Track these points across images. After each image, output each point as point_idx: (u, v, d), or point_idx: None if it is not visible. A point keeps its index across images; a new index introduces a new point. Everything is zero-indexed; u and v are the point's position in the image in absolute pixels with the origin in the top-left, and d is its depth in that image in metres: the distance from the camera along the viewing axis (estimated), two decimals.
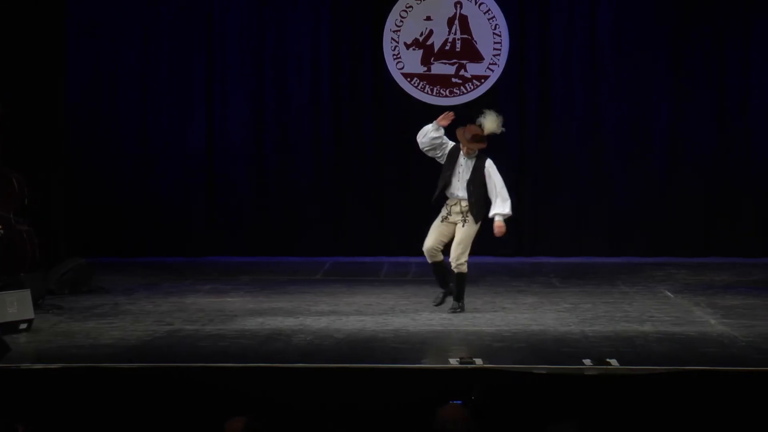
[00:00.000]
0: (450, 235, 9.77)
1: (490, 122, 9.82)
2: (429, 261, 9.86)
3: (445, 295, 9.89)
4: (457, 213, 9.72)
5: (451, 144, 9.88)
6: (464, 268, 9.77)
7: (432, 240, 9.76)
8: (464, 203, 9.71)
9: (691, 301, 10.43)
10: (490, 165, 9.80)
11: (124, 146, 14.13)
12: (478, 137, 9.75)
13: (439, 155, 9.87)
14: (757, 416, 6.84)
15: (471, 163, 9.76)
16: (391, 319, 9.46)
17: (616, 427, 6.80)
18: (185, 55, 14.10)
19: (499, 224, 9.73)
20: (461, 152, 9.78)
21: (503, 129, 9.93)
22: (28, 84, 12.19)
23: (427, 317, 9.55)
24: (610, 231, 14.01)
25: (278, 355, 7.94)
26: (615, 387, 7.03)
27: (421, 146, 9.93)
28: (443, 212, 9.80)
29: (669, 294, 10.96)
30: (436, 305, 9.87)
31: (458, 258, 9.72)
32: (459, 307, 9.78)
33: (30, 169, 10.95)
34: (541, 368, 7.29)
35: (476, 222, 9.70)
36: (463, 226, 9.70)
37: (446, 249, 9.89)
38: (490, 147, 13.97)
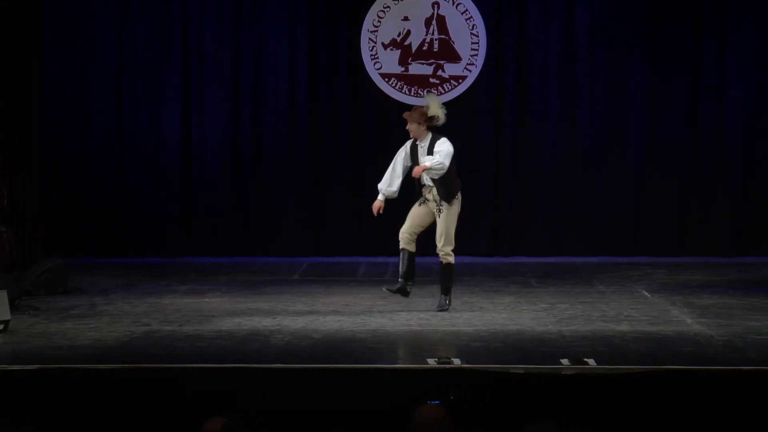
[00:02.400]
0: (427, 219, 9.76)
1: (434, 104, 9.81)
2: (401, 245, 9.79)
3: (402, 288, 9.80)
4: (432, 200, 9.73)
5: (408, 146, 9.87)
6: (451, 259, 9.81)
7: (407, 224, 9.78)
8: (434, 189, 9.72)
9: (667, 301, 10.47)
10: (441, 140, 9.72)
11: (99, 146, 14.09)
12: (425, 116, 9.72)
13: (410, 164, 9.86)
14: (733, 415, 6.88)
15: (426, 148, 9.74)
16: (368, 320, 9.46)
17: (594, 426, 6.82)
18: (161, 54, 14.07)
19: (417, 168, 9.66)
20: (416, 142, 9.78)
21: (442, 118, 9.81)
22: (2, 86, 12.12)
23: (405, 317, 9.55)
24: (586, 231, 14.06)
25: (256, 356, 7.92)
26: (592, 386, 7.06)
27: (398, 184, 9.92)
28: (421, 198, 9.80)
29: (646, 294, 11.00)
30: (389, 290, 9.85)
31: (443, 248, 9.76)
32: (447, 303, 9.80)
33: (4, 170, 10.90)
34: (519, 368, 7.30)
35: (451, 205, 9.69)
36: (440, 215, 9.71)
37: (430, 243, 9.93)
38: (467, 144, 14.11)
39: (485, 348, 8.17)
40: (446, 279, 9.89)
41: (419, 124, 9.75)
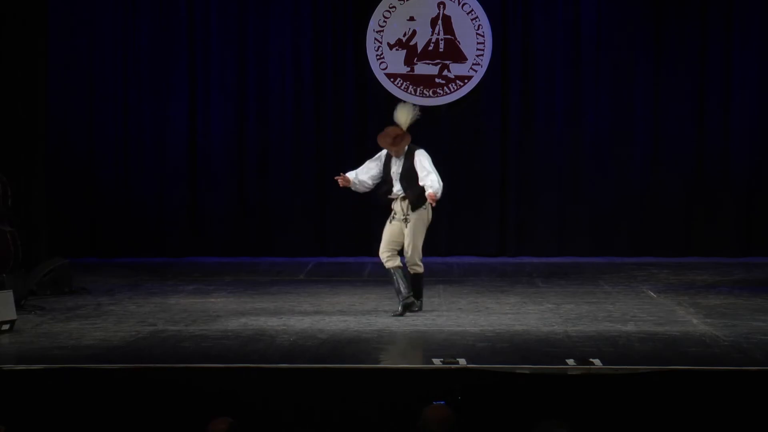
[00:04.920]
0: (401, 235, 9.68)
1: (403, 115, 9.68)
2: (386, 266, 9.69)
3: (408, 305, 9.66)
4: (399, 211, 9.65)
5: (384, 153, 9.80)
6: (419, 269, 9.71)
7: (383, 243, 9.69)
8: (403, 200, 9.65)
9: (673, 301, 10.46)
10: (419, 153, 9.63)
11: (105, 146, 14.12)
12: (399, 137, 9.63)
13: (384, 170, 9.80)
14: (738, 415, 6.88)
15: (403, 159, 9.68)
16: (374, 320, 9.46)
17: (600, 426, 6.82)
18: (166, 56, 14.08)
19: (430, 194, 9.49)
20: (392, 156, 9.72)
21: (418, 115, 9.74)
22: (8, 85, 12.13)
23: (410, 318, 9.54)
24: (592, 231, 14.06)
25: (261, 356, 7.92)
26: (598, 387, 7.06)
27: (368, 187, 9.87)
28: (391, 214, 9.74)
29: (652, 294, 11.00)
30: (397, 314, 9.62)
31: (411, 259, 9.65)
32: (417, 306, 9.72)
33: (9, 170, 10.90)
34: (525, 368, 7.29)
35: (418, 214, 9.58)
36: (407, 225, 9.62)
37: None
38: (472, 144, 14.11)
39: (491, 348, 8.17)
40: (417, 286, 9.76)
41: (402, 142, 9.59)
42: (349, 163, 13.97)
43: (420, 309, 9.77)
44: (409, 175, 9.63)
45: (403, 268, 9.73)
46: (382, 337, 8.66)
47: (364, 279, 12.49)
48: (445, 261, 13.74)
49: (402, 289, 9.65)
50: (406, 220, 9.65)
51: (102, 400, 7.05)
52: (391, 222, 9.75)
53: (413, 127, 9.78)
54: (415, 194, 9.63)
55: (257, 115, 14.14)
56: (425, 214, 9.68)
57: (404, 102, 10.01)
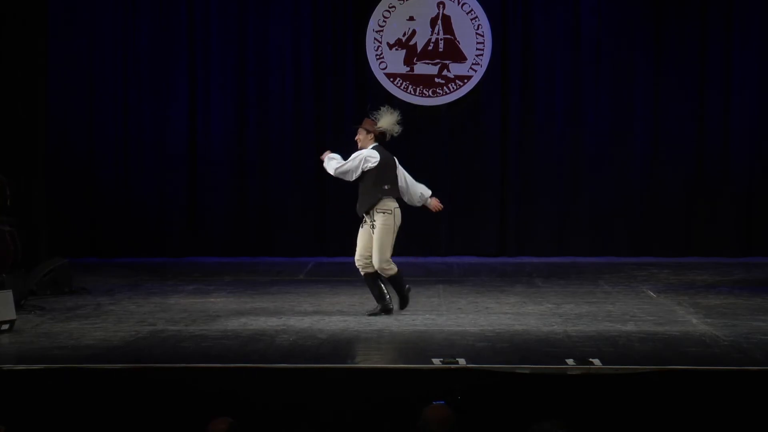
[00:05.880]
0: (371, 240, 9.62)
1: (387, 117, 9.63)
2: (361, 272, 9.67)
3: (385, 308, 9.64)
4: (367, 217, 9.60)
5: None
6: (392, 271, 9.61)
7: (358, 250, 9.65)
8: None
9: (673, 301, 10.46)
10: (364, 150, 9.57)
11: (105, 146, 14.12)
12: (373, 125, 9.60)
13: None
14: (738, 415, 6.88)
15: None
16: (374, 320, 9.46)
17: (599, 426, 6.82)
18: (166, 56, 14.09)
19: (435, 202, 9.70)
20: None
21: (397, 129, 9.66)
22: (8, 85, 12.13)
23: (410, 317, 9.54)
24: (592, 231, 14.06)
25: (261, 356, 7.92)
26: (598, 386, 7.06)
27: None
28: (362, 220, 9.70)
29: (651, 294, 11.00)
30: (372, 313, 9.61)
31: (378, 264, 9.56)
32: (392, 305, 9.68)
33: (9, 170, 10.91)
34: (525, 368, 7.30)
35: (382, 218, 9.49)
36: (373, 230, 9.56)
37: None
38: (472, 143, 14.11)
39: (491, 348, 8.17)
40: (397, 285, 9.68)
41: (367, 132, 9.60)
42: None
43: (409, 291, 9.74)
44: (362, 184, 9.59)
45: (376, 273, 9.65)
46: (382, 337, 8.66)
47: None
48: (445, 261, 13.74)
49: (384, 293, 9.63)
50: (372, 226, 9.60)
51: (102, 400, 7.05)
52: (362, 227, 9.69)
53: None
54: (360, 194, 9.58)
55: (257, 115, 14.15)
56: (390, 218, 9.56)
57: (393, 111, 9.85)
